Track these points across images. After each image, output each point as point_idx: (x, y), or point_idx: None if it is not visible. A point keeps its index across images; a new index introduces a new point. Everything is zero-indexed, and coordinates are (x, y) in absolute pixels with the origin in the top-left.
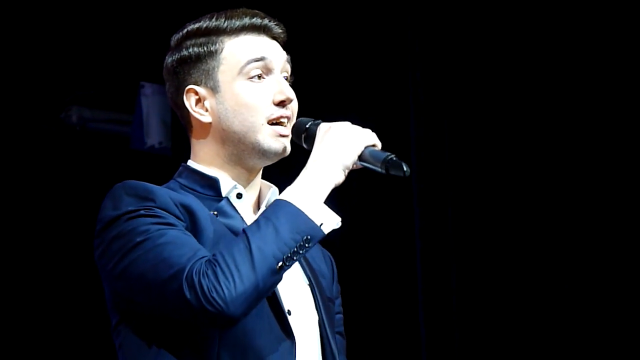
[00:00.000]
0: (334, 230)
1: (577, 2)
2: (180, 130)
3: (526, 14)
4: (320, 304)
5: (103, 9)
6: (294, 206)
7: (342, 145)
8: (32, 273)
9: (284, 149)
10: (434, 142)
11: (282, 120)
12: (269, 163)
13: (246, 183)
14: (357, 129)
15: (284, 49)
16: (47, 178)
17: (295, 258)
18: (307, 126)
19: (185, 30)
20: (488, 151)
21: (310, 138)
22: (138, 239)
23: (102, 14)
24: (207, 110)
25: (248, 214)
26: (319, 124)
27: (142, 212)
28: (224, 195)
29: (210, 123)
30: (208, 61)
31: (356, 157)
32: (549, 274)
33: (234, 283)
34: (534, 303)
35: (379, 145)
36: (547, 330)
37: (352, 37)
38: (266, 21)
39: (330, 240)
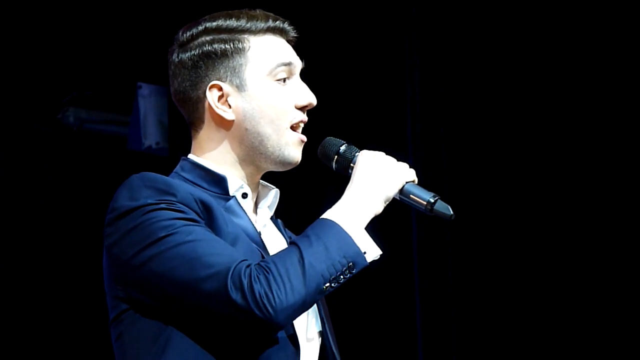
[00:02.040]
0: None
1: (575, 3)
2: (177, 130)
3: (524, 16)
4: (322, 312)
5: (100, 10)
6: (343, 229)
7: (386, 177)
8: (29, 273)
9: (299, 158)
10: (431, 147)
11: (301, 124)
12: (281, 170)
13: (251, 183)
14: (397, 163)
15: (301, 35)
16: (44, 179)
17: (339, 282)
18: (342, 150)
19: (203, 26)
20: (485, 155)
21: (344, 162)
22: (163, 233)
23: (100, 14)
24: (230, 107)
25: (250, 213)
26: (353, 149)
27: (163, 205)
28: (231, 193)
29: (233, 121)
30: (235, 58)
31: (397, 191)
32: (546, 277)
33: (285, 293)
34: (531, 305)
35: (416, 181)
36: (544, 333)
37: (351, 41)
38: (286, 25)
39: None
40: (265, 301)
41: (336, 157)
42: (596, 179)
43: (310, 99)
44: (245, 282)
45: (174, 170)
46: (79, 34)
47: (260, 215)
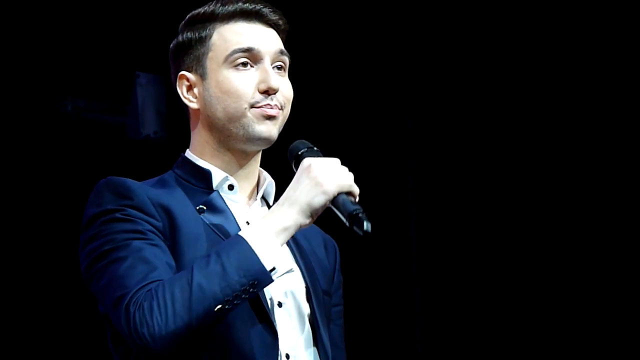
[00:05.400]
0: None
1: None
2: (176, 119)
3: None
4: (313, 296)
5: None
6: (249, 246)
7: (316, 189)
8: (25, 261)
9: (269, 132)
10: (431, 145)
11: (266, 108)
12: (257, 148)
13: (239, 171)
14: (337, 171)
15: (287, 37)
16: (43, 167)
17: (237, 302)
18: (300, 153)
19: (186, 17)
20: (482, 160)
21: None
22: (105, 248)
23: (98, 3)
24: (196, 97)
25: (241, 206)
26: (309, 153)
27: (117, 215)
28: (215, 187)
29: (199, 109)
30: (198, 47)
31: (327, 203)
32: (545, 278)
33: (165, 320)
34: (529, 307)
35: (356, 191)
36: (542, 333)
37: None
38: (259, 7)
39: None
40: (145, 330)
41: (294, 162)
42: (572, 179)
43: (271, 83)
44: (131, 310)
45: (172, 167)
46: (78, 22)
47: (253, 207)
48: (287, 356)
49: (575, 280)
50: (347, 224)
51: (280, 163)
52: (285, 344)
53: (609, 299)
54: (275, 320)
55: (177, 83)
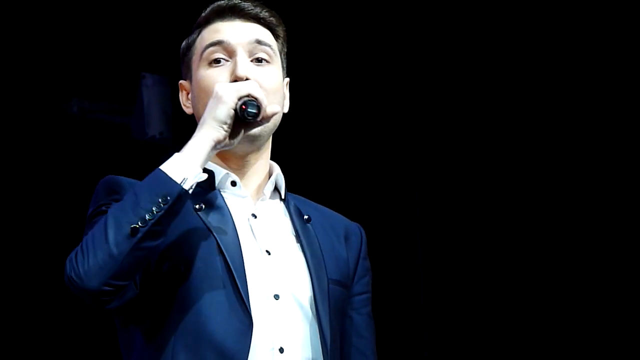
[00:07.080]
0: None
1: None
2: (181, 120)
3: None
4: (316, 287)
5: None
6: (159, 170)
7: (216, 102)
8: (30, 262)
9: (248, 131)
10: (433, 155)
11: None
12: (243, 148)
13: (239, 169)
14: (237, 85)
15: (290, 35)
16: (49, 168)
17: (154, 219)
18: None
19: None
20: (486, 160)
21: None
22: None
23: (105, 4)
24: (191, 103)
25: (248, 200)
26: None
27: (103, 207)
28: (217, 186)
29: (193, 114)
30: (187, 54)
31: (230, 112)
32: (549, 277)
33: (87, 258)
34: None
35: (259, 95)
36: (542, 332)
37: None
38: (232, 2)
39: None
40: (73, 274)
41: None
42: (576, 179)
43: (239, 72)
44: (66, 265)
45: None
46: (83, 24)
47: (262, 200)
48: (281, 350)
49: (579, 276)
50: (240, 116)
51: (283, 158)
52: (280, 337)
53: (611, 295)
54: (251, 309)
55: (179, 92)
